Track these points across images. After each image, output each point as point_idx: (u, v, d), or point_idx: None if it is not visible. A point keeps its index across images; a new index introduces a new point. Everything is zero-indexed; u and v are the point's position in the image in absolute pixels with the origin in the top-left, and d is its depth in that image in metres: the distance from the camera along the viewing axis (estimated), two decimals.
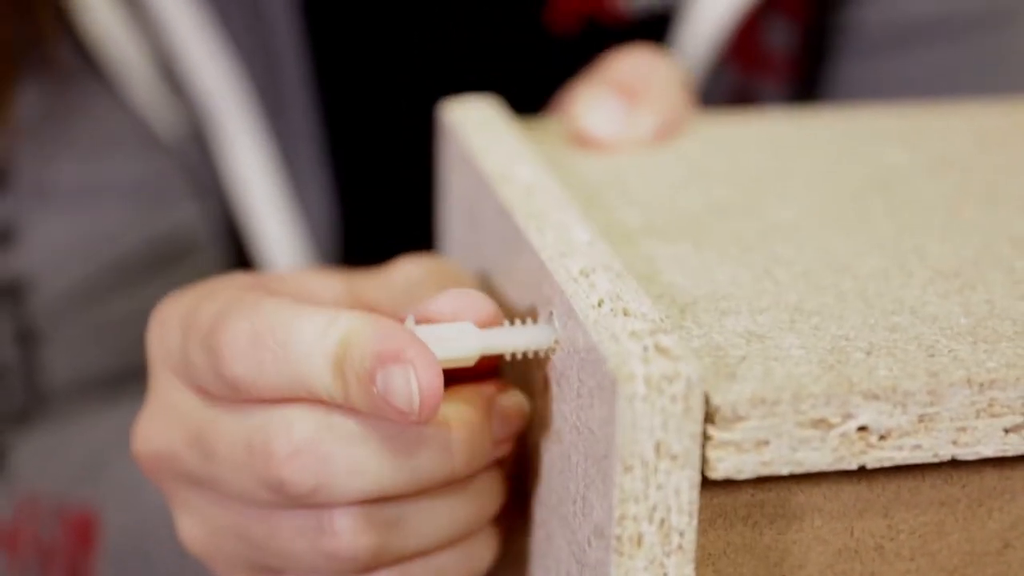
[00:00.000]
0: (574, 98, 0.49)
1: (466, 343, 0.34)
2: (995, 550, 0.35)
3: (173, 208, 0.62)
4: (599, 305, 0.33)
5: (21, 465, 0.58)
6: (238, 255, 0.64)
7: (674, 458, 0.30)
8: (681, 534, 0.31)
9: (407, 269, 0.40)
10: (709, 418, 0.31)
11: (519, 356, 0.35)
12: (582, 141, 0.48)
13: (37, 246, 0.59)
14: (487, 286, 0.41)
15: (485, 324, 0.35)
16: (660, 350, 0.30)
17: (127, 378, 0.61)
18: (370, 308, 0.39)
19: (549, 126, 0.50)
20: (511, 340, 0.35)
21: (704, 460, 0.31)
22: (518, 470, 0.38)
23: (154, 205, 0.61)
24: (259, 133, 0.62)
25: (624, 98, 0.48)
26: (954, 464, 0.34)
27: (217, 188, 0.63)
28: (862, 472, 0.33)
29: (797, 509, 0.33)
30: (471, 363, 0.35)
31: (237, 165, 0.62)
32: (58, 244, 0.59)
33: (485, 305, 0.35)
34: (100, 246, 0.60)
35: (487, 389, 0.36)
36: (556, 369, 0.34)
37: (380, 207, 0.67)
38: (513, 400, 0.36)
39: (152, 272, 0.61)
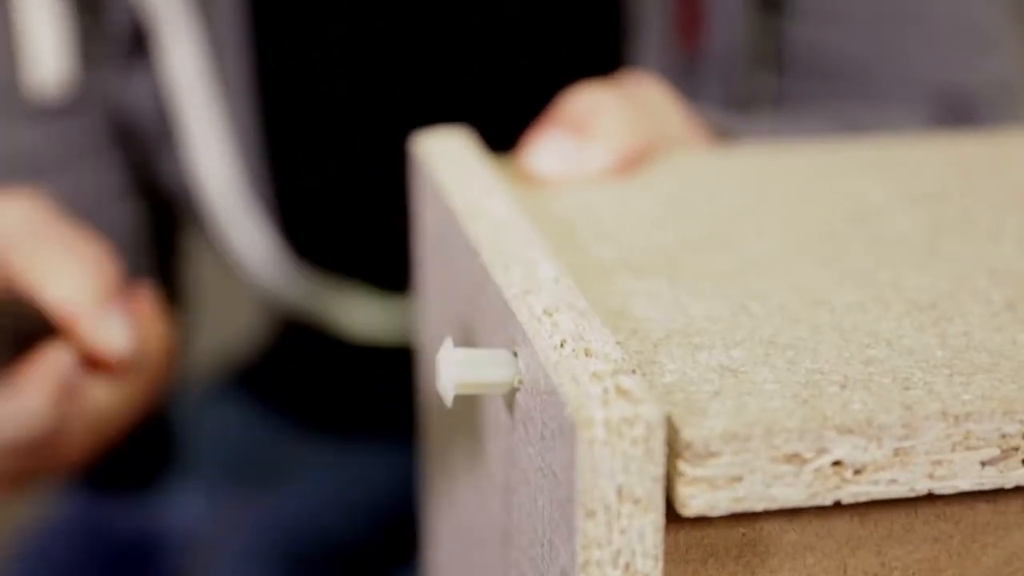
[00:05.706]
0: (528, 138, 0.49)
1: (503, 369, 0.34)
2: None
3: None
4: (561, 346, 0.32)
5: None
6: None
7: (637, 502, 0.30)
8: None
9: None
10: (680, 454, 0.31)
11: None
12: (534, 180, 0.47)
13: None
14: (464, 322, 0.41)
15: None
16: (621, 392, 0.30)
17: None
18: None
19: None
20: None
21: (676, 497, 0.31)
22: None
23: None
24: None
25: (573, 135, 0.48)
26: (947, 500, 0.33)
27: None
28: (855, 508, 0.33)
29: (789, 547, 0.33)
30: (505, 390, 0.34)
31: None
32: None
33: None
34: None
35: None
36: (522, 410, 0.34)
37: (303, 111, 0.72)
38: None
39: None
